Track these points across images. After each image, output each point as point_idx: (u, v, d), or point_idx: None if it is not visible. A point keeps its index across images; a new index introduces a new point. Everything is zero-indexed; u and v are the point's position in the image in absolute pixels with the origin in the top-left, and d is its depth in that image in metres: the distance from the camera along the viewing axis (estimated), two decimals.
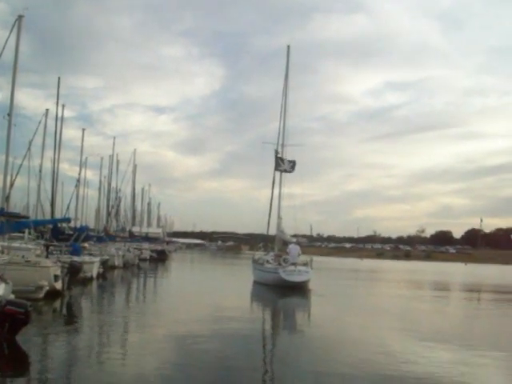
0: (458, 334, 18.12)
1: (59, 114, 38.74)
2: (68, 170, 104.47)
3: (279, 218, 37.41)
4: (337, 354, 13.37)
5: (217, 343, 14.11)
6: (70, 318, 18.73)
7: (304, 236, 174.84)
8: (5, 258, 18.32)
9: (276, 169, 37.48)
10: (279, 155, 37.33)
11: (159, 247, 77.13)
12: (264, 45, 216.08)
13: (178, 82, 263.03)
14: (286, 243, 36.55)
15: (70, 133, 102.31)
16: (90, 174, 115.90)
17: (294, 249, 33.70)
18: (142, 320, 18.51)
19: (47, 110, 39.02)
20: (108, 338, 14.73)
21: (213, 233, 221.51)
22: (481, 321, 23.19)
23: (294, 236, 38.98)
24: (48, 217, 37.82)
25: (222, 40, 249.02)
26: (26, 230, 30.89)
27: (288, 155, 37.58)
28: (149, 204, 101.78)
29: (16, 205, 56.39)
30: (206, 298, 25.96)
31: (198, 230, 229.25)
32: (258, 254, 39.93)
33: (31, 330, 13.16)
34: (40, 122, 38.74)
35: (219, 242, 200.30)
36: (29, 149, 38.42)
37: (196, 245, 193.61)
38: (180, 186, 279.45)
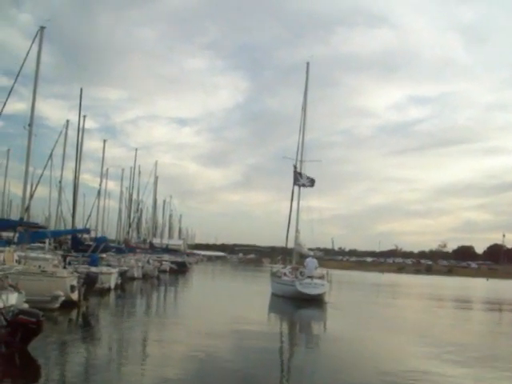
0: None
1: (80, 125, 39.14)
2: (90, 180, 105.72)
3: (297, 231, 37.96)
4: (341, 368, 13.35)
5: (234, 358, 14.01)
6: (85, 329, 18.86)
7: (325, 250, 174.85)
8: (18, 267, 18.40)
9: (294, 183, 38.05)
10: (298, 170, 37.91)
11: (179, 259, 77.06)
12: (287, 58, 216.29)
13: (201, 94, 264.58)
14: (303, 256, 37.12)
15: (93, 144, 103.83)
16: (113, 185, 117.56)
17: (311, 262, 34.27)
18: (157, 332, 18.56)
19: (68, 120, 39.74)
20: (122, 350, 14.74)
21: (234, 245, 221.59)
22: (498, 336, 22.87)
23: (311, 250, 39.67)
24: (69, 227, 38.23)
25: (246, 53, 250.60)
26: (47, 241, 31.27)
27: (307, 170, 38.26)
28: (170, 216, 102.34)
29: (38, 215, 57.45)
30: (224, 310, 26.41)
31: (219, 242, 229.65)
32: (277, 267, 40.23)
33: (44, 340, 13.25)
34: (61, 133, 39.24)
35: (240, 255, 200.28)
36: (50, 159, 38.84)
37: (217, 257, 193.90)
38: (202, 198, 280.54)
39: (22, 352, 11.79)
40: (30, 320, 11.75)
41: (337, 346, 17.47)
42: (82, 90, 39.31)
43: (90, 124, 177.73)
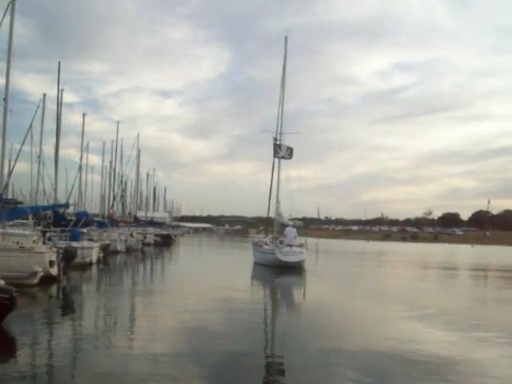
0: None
1: (59, 99, 38.79)
2: (75, 155, 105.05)
3: (277, 202, 39.59)
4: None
5: (220, 326, 14.15)
6: (63, 303, 18.91)
7: (311, 219, 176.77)
8: None
9: (274, 156, 39.35)
10: (278, 142, 38.98)
11: (164, 232, 77.28)
12: (270, 27, 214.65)
13: (184, 65, 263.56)
14: (284, 226, 38.28)
15: (76, 118, 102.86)
16: (97, 160, 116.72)
17: (290, 231, 35.88)
18: (137, 302, 18.76)
19: (44, 94, 39.20)
20: (98, 323, 14.70)
21: (220, 217, 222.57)
22: (476, 297, 23.43)
23: (292, 219, 40.40)
24: (52, 203, 38.03)
25: (228, 22, 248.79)
26: (30, 216, 31.16)
27: (289, 141, 39.50)
28: (155, 189, 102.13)
29: (22, 192, 57.08)
30: (206, 278, 27.31)
31: (205, 214, 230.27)
32: (259, 237, 41.02)
33: (21, 315, 13.35)
34: (38, 107, 38.76)
35: (226, 226, 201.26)
36: (28, 134, 38.38)
37: (204, 229, 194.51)
38: (188, 170, 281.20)
39: None
40: (2, 296, 11.73)
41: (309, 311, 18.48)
42: (59, 63, 39.05)
43: (72, 98, 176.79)
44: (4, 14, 26.18)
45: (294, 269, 32.11)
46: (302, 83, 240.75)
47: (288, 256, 33.04)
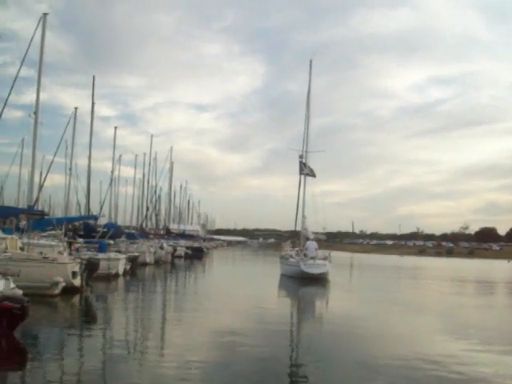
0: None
1: (93, 112, 40.60)
2: (110, 168, 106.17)
3: (304, 216, 41.34)
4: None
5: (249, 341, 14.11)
6: (82, 314, 19.11)
7: (346, 233, 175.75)
8: (7, 254, 18.80)
9: (300, 173, 41.35)
10: (303, 160, 40.97)
11: (196, 244, 77.34)
12: (306, 41, 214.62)
13: (220, 79, 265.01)
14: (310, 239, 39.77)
15: (112, 132, 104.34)
16: (133, 172, 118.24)
17: (311, 244, 37.87)
18: (156, 315, 18.97)
19: (76, 108, 40.27)
20: (114, 336, 14.63)
21: (255, 230, 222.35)
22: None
23: (317, 233, 41.78)
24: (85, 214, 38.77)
25: (264, 36, 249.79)
26: (63, 227, 31.69)
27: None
28: (188, 201, 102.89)
29: (58, 203, 58.30)
30: (235, 289, 29.35)
31: (240, 227, 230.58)
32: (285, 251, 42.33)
33: (36, 325, 13.62)
34: (69, 120, 39.71)
35: (260, 239, 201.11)
36: (65, 147, 39.80)
37: (237, 242, 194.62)
38: (222, 183, 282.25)
39: (8, 337, 11.96)
40: (13, 306, 11.94)
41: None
42: (94, 77, 41.69)
43: (109, 112, 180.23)
44: (36, 28, 26.97)
45: (318, 280, 33.46)
46: (339, 97, 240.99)
47: (312, 268, 34.50)
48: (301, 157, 40.94)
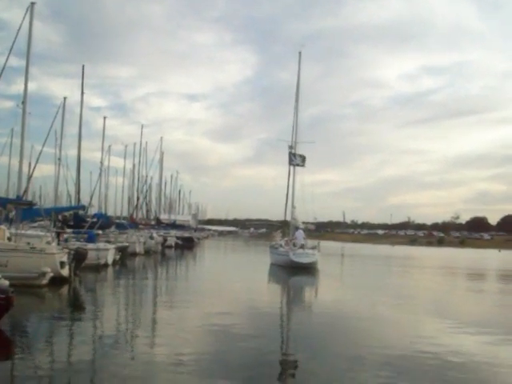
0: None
1: (83, 102, 41.15)
2: (105, 159, 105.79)
3: (293, 206, 41.58)
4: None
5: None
6: (68, 304, 19.04)
7: (337, 223, 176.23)
8: None
9: (290, 163, 41.66)
10: (292, 150, 41.32)
11: (186, 234, 77.34)
12: (297, 30, 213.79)
13: (211, 69, 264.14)
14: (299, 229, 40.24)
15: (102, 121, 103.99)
16: (127, 163, 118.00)
17: (298, 233, 38.60)
18: (144, 304, 19.21)
19: (65, 98, 40.12)
20: (100, 325, 14.58)
21: (246, 220, 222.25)
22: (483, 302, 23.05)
23: (306, 223, 43.10)
24: (74, 205, 38.68)
25: (255, 26, 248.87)
26: (52, 218, 31.60)
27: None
28: (179, 191, 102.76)
29: (48, 194, 58.15)
30: (224, 278, 29.70)
31: (231, 217, 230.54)
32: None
33: (23, 315, 13.69)
34: (58, 110, 39.55)
35: (251, 229, 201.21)
36: (54, 138, 39.69)
37: (229, 232, 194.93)
38: (214, 173, 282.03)
39: None
40: None
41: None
42: (83, 66, 41.92)
43: (100, 102, 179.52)
44: (23, 17, 26.80)
45: (307, 269, 33.96)
46: (330, 87, 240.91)
47: (301, 257, 35.02)
48: (290, 147, 41.32)
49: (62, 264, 21.49)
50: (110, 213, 54.86)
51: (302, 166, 41.32)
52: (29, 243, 21.21)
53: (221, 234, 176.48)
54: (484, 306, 22.61)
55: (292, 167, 41.91)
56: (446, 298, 24.48)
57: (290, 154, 41.15)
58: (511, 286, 35.08)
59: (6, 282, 14.15)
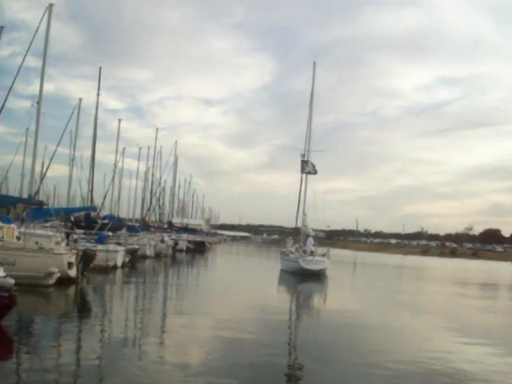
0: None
1: (99, 103, 41.69)
2: (119, 161, 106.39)
3: (304, 214, 42.08)
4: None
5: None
6: (73, 305, 19.02)
7: (350, 231, 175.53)
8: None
9: (302, 172, 42.22)
10: (305, 159, 41.76)
11: (198, 238, 77.15)
12: (315, 38, 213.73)
13: (228, 74, 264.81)
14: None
15: (121, 124, 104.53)
16: (141, 166, 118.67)
17: (308, 241, 39.02)
18: (151, 306, 19.08)
19: (80, 99, 40.39)
20: (106, 326, 14.61)
21: (259, 226, 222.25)
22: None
23: (316, 230, 43.93)
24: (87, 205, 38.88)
25: (273, 33, 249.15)
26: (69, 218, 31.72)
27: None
28: (193, 195, 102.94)
29: (62, 194, 58.61)
30: (233, 283, 30.24)
31: (244, 223, 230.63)
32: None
33: (27, 315, 13.75)
34: (74, 110, 39.78)
35: (264, 235, 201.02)
36: (70, 138, 40.06)
37: (241, 237, 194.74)
38: (228, 178, 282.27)
39: None
40: (1, 294, 11.85)
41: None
42: (100, 68, 42.90)
43: (117, 104, 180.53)
44: (41, 19, 27.10)
45: (316, 276, 34.35)
46: (345, 95, 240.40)
47: (310, 264, 35.30)
48: (303, 156, 41.65)
49: (70, 264, 21.51)
50: (123, 215, 55.20)
51: (314, 173, 41.81)
52: (37, 243, 21.16)
53: (233, 239, 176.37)
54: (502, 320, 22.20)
55: (304, 175, 42.39)
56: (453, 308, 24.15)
57: (303, 162, 41.55)
58: None
59: (11, 281, 14.13)
